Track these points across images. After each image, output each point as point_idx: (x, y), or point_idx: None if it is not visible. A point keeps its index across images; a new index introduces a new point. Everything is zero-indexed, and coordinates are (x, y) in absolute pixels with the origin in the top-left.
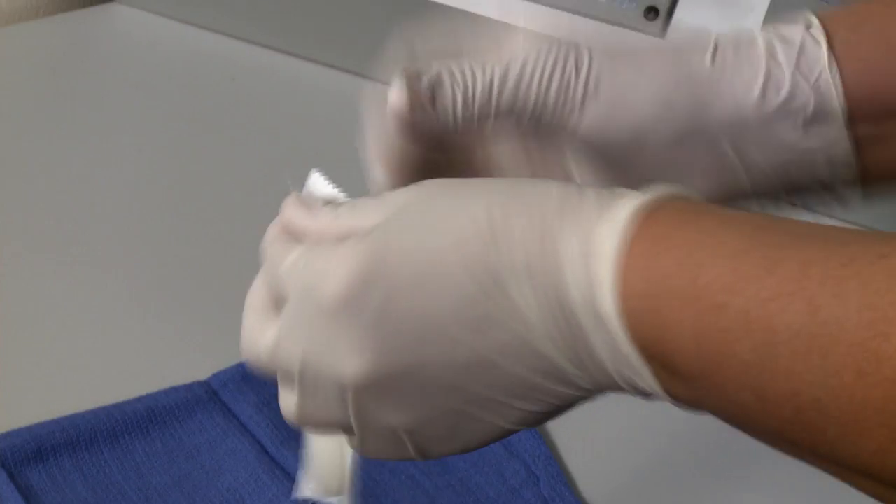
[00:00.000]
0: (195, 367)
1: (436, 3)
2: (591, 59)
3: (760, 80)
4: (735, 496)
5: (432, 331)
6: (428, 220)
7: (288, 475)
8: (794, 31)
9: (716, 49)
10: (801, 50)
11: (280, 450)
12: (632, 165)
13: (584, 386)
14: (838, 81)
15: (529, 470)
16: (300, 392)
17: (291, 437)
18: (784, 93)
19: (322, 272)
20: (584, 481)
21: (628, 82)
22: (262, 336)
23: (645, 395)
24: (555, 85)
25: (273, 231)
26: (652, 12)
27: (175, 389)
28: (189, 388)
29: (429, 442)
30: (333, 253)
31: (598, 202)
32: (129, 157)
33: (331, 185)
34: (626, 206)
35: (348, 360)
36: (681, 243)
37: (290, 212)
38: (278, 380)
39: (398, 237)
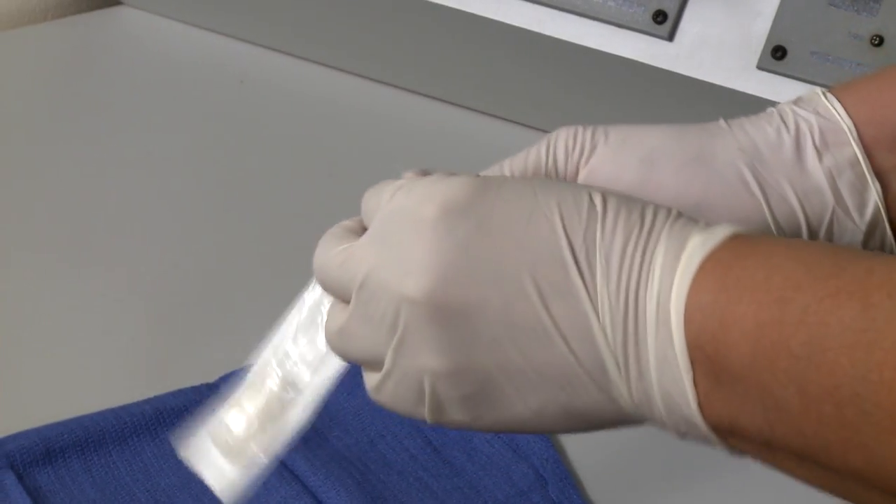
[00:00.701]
0: (204, 369)
1: (443, 7)
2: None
3: (775, 121)
4: (744, 502)
5: (506, 278)
6: (534, 190)
7: (296, 477)
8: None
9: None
10: (800, 100)
11: (288, 452)
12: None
13: (615, 397)
14: (838, 106)
15: (538, 473)
16: (354, 305)
17: (301, 440)
18: (791, 125)
19: (426, 193)
20: (593, 484)
21: (637, 126)
22: (336, 247)
23: (672, 422)
24: (562, 144)
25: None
26: (660, 16)
27: (183, 391)
28: (197, 389)
29: (447, 401)
30: (442, 179)
31: (695, 222)
32: (137, 160)
33: None
34: (723, 229)
35: (417, 277)
36: (765, 250)
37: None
38: (334, 297)
39: (510, 186)
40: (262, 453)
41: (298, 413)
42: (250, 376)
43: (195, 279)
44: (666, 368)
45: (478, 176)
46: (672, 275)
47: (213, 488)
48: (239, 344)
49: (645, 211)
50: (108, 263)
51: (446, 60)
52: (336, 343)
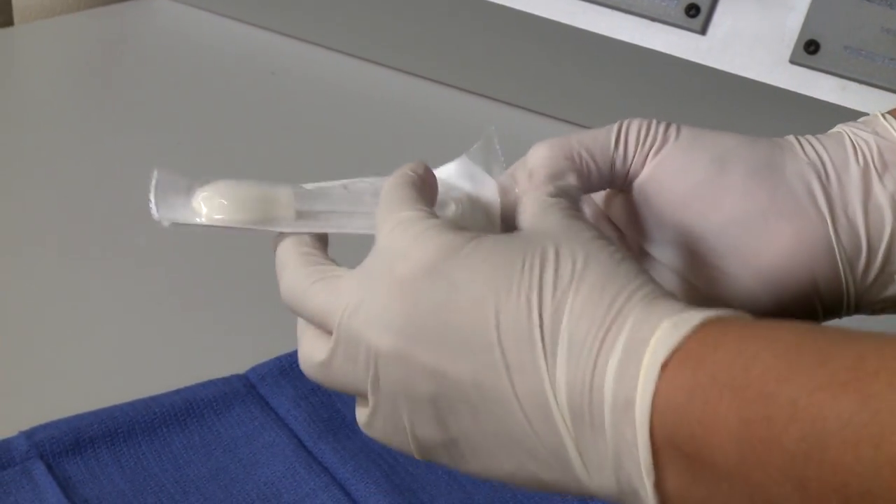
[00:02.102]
0: (233, 360)
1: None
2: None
3: (842, 140)
4: None
5: (474, 348)
6: (524, 249)
7: (325, 469)
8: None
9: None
10: (860, 121)
11: (317, 444)
12: (709, 208)
13: (578, 477)
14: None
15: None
16: (336, 341)
17: (329, 431)
18: (858, 146)
19: (411, 246)
20: None
21: (710, 130)
22: (312, 273)
23: None
24: (634, 131)
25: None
26: (693, 10)
27: (213, 382)
28: (227, 381)
29: (425, 443)
30: (436, 234)
31: (675, 307)
32: (168, 151)
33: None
34: (692, 315)
35: (390, 334)
36: (736, 340)
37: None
38: (309, 322)
39: (492, 252)
40: (226, 217)
41: (283, 224)
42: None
43: (226, 270)
44: (630, 465)
45: (467, 234)
46: (636, 368)
47: (153, 213)
48: (270, 335)
49: (620, 292)
50: (140, 254)
51: (477, 52)
52: (319, 375)
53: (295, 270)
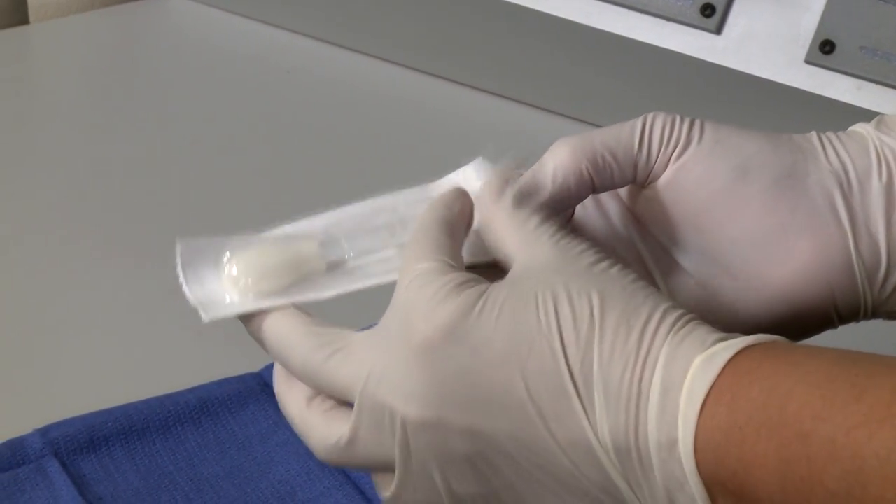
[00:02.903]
0: (248, 358)
1: None
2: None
3: (865, 144)
4: None
5: (506, 406)
6: (535, 295)
7: (340, 468)
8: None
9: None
10: (882, 122)
11: None
12: (727, 218)
13: None
14: None
15: None
16: (359, 410)
17: None
18: (882, 152)
19: (426, 305)
20: None
21: (732, 129)
22: (319, 344)
23: None
24: (658, 131)
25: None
26: (708, 9)
27: (227, 381)
28: (241, 379)
29: (463, 499)
30: (447, 295)
31: (704, 338)
32: (183, 149)
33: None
34: (725, 348)
35: (415, 404)
36: (770, 373)
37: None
38: (328, 397)
39: (504, 305)
40: (259, 292)
41: (321, 291)
42: (286, 229)
43: None
44: (684, 499)
45: (479, 288)
46: (675, 407)
47: (188, 297)
48: None
49: (646, 328)
50: (154, 252)
51: (492, 51)
52: (343, 455)
53: (303, 348)
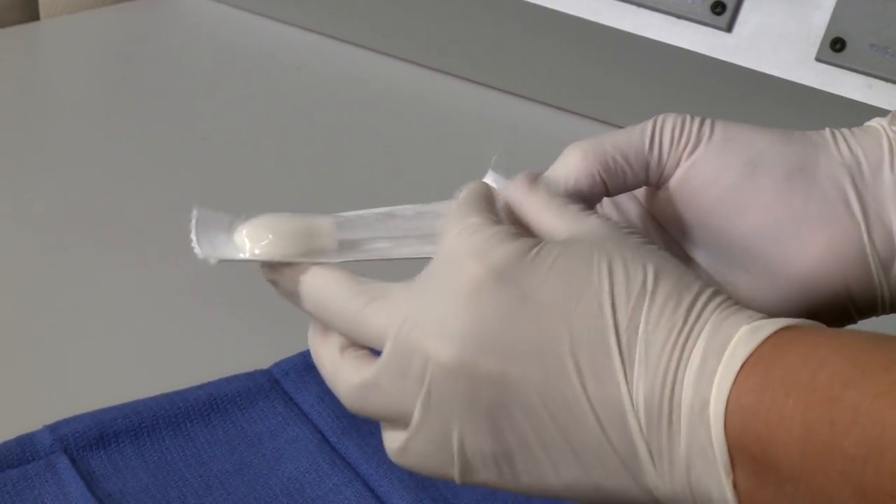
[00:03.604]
0: (257, 355)
1: None
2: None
3: (878, 138)
4: None
5: (547, 355)
6: (591, 256)
7: (349, 465)
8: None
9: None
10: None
11: (341, 439)
12: (740, 213)
13: (646, 484)
14: None
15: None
16: (387, 355)
17: (353, 427)
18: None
19: (480, 248)
20: None
21: (742, 126)
22: (357, 290)
23: None
24: (668, 131)
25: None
26: (719, 7)
27: (237, 377)
28: (251, 376)
29: (478, 461)
30: (501, 240)
31: (751, 314)
32: (192, 146)
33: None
34: (770, 324)
35: (451, 343)
36: (806, 344)
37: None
38: (355, 343)
39: (559, 257)
40: (270, 251)
41: (331, 258)
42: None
43: (251, 264)
44: (704, 466)
45: (532, 240)
46: (712, 373)
47: (196, 252)
48: (293, 330)
49: (695, 302)
50: (164, 247)
51: (502, 49)
52: (357, 397)
53: (342, 297)
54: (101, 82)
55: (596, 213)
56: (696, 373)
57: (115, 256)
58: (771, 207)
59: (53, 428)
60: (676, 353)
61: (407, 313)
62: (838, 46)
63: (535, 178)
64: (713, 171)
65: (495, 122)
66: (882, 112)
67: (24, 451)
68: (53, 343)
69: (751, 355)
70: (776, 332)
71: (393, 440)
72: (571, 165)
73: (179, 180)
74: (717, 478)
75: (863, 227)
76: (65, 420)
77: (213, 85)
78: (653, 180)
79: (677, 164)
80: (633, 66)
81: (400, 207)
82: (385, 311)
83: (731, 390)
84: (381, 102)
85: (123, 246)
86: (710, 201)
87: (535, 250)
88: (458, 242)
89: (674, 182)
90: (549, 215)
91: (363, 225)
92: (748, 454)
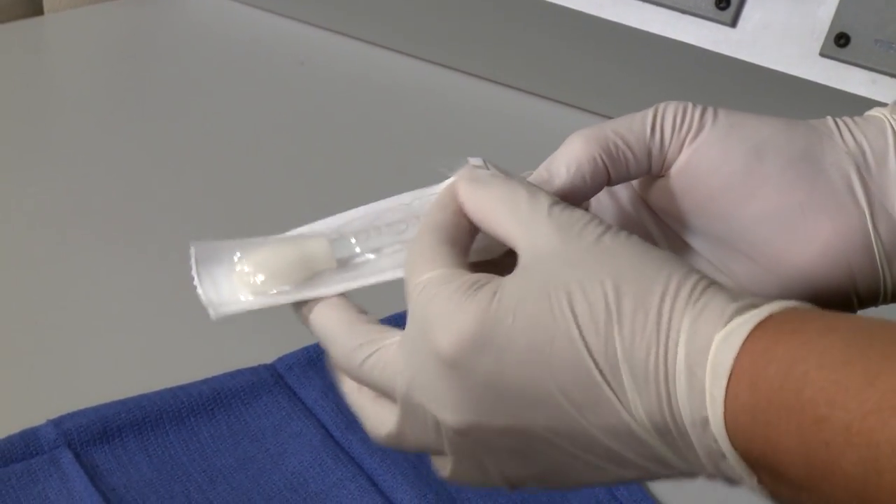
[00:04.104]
0: (261, 350)
1: None
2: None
3: (882, 127)
4: None
5: (538, 402)
6: (547, 291)
7: (353, 459)
8: None
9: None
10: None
11: (345, 434)
12: (745, 199)
13: (684, 471)
14: None
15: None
16: (402, 412)
17: (356, 422)
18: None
19: (441, 318)
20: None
21: (746, 113)
22: (361, 341)
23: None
24: (669, 117)
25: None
26: (723, 2)
27: (241, 372)
28: (255, 370)
29: (519, 479)
30: (459, 304)
31: (722, 308)
32: (196, 140)
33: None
34: (741, 323)
35: (450, 413)
36: (784, 354)
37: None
38: (364, 399)
39: (528, 302)
40: (269, 291)
41: (331, 287)
42: (299, 231)
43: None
44: (726, 466)
45: (490, 288)
46: (702, 389)
47: (200, 297)
48: (297, 325)
49: (662, 306)
50: (168, 242)
51: (505, 44)
52: (393, 444)
53: (342, 347)
54: (104, 77)
55: (547, 201)
56: (686, 388)
57: (118, 251)
58: (776, 194)
59: (57, 422)
60: (661, 369)
61: (405, 375)
62: (842, 42)
63: (473, 172)
64: (717, 157)
65: (498, 117)
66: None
67: (27, 445)
68: (57, 338)
69: (733, 368)
70: (752, 335)
71: (441, 468)
72: (574, 151)
73: (183, 174)
74: (743, 479)
75: (868, 217)
76: (68, 414)
77: (216, 79)
78: (655, 168)
79: (679, 151)
80: (638, 61)
81: (384, 206)
82: (382, 372)
83: (724, 412)
84: (384, 97)
85: (127, 240)
86: (714, 188)
87: (495, 301)
88: (420, 311)
89: (675, 168)
90: (502, 214)
91: (360, 236)
92: (761, 464)
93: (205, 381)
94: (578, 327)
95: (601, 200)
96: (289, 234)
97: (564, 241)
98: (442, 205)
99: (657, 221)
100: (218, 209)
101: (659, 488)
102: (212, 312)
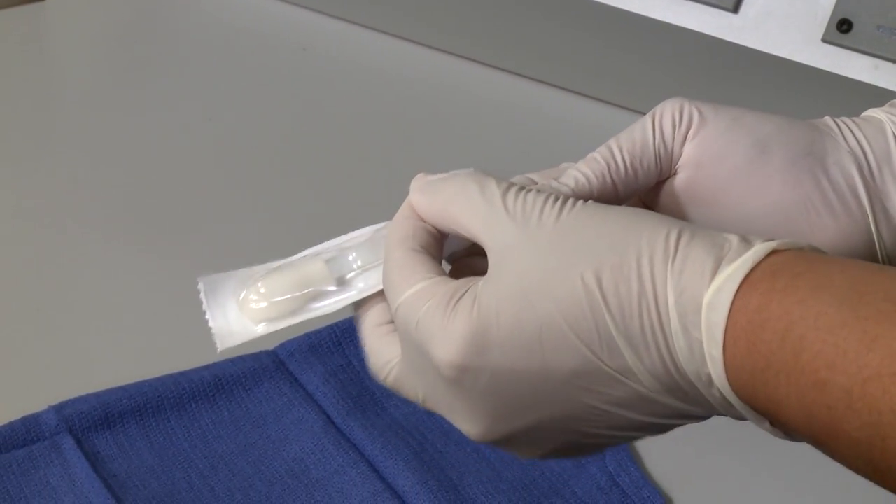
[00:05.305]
0: (262, 336)
1: None
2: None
3: (882, 128)
4: (803, 470)
5: (546, 394)
6: (523, 290)
7: (354, 446)
8: None
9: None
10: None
11: (346, 420)
12: (749, 194)
13: (702, 416)
14: None
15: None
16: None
17: (357, 408)
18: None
19: (432, 340)
20: (650, 456)
21: (747, 110)
22: (384, 362)
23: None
24: (668, 116)
25: (400, 227)
26: None
27: (242, 358)
28: (256, 357)
29: (537, 456)
30: (443, 324)
31: (703, 260)
32: (198, 126)
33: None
34: (728, 278)
35: (466, 424)
36: (779, 314)
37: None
38: None
39: (507, 303)
40: (273, 317)
41: (329, 304)
42: (304, 253)
43: (257, 244)
44: (736, 413)
45: (469, 298)
46: (700, 349)
47: (211, 328)
48: None
49: (641, 274)
50: (169, 229)
51: (508, 30)
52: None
53: (372, 365)
54: (105, 63)
55: (499, 189)
56: (687, 348)
57: (119, 238)
58: (780, 190)
59: (59, 408)
60: (658, 333)
61: (418, 392)
62: (845, 27)
63: (422, 180)
64: (722, 149)
65: (500, 103)
66: (888, 93)
67: (29, 431)
68: (58, 324)
69: (727, 329)
70: (741, 291)
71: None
72: (582, 169)
73: (185, 161)
74: (753, 420)
75: (871, 217)
76: (70, 401)
77: (218, 66)
78: (665, 171)
79: (682, 145)
80: (640, 47)
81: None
82: (403, 389)
83: (725, 370)
84: (386, 83)
85: (128, 228)
86: (719, 180)
87: (475, 312)
88: (411, 331)
89: (679, 164)
90: (461, 212)
91: (357, 251)
92: (768, 416)
93: (206, 368)
94: (563, 317)
95: None
96: (294, 257)
97: (526, 232)
98: (402, 217)
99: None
100: (219, 196)
101: (660, 475)
102: (218, 344)
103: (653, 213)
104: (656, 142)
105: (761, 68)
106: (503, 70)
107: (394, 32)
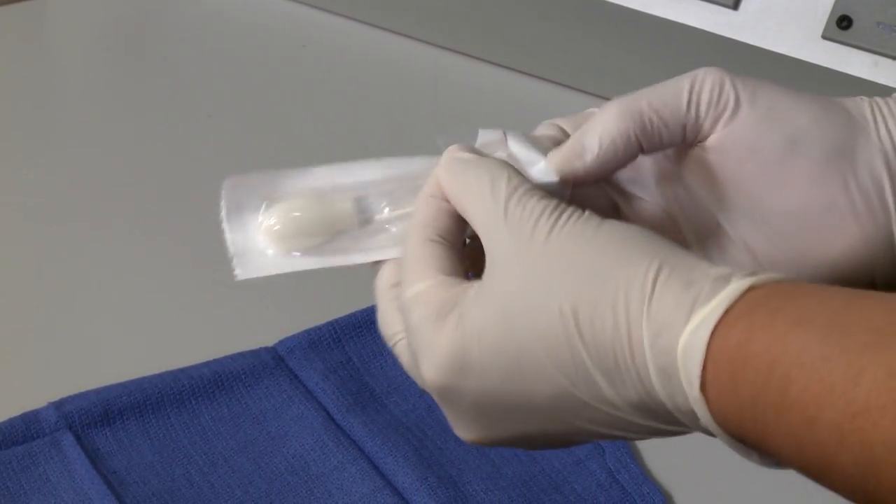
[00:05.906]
0: (262, 332)
1: None
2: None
3: None
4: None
5: (529, 413)
6: (519, 307)
7: (354, 442)
8: None
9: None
10: None
11: (346, 417)
12: (775, 191)
13: (686, 432)
14: None
15: (595, 441)
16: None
17: (357, 405)
18: None
19: (421, 350)
20: (650, 453)
21: (785, 94)
22: (392, 332)
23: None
24: (706, 94)
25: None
26: None
27: (242, 355)
28: (256, 353)
29: (524, 448)
30: (431, 336)
31: (679, 299)
32: (197, 122)
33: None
34: (706, 316)
35: (458, 429)
36: (762, 351)
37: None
38: None
39: (490, 325)
40: (289, 248)
41: (350, 257)
42: (323, 170)
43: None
44: (724, 441)
45: (454, 315)
46: (682, 392)
47: (229, 250)
48: (299, 307)
49: (616, 311)
50: (169, 226)
51: (507, 26)
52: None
53: (382, 328)
54: (105, 60)
55: (503, 200)
56: (666, 388)
57: (120, 234)
58: (806, 191)
59: (58, 405)
60: (632, 371)
61: (428, 382)
62: (845, 24)
63: (451, 163)
64: (752, 143)
65: (500, 99)
66: (887, 90)
67: (29, 428)
68: (58, 320)
69: (707, 370)
70: (720, 333)
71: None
72: (608, 124)
73: (184, 157)
74: (744, 453)
75: (894, 218)
76: (70, 397)
77: (218, 62)
78: (689, 139)
79: (714, 126)
80: (640, 44)
81: (414, 167)
82: (400, 353)
83: (710, 409)
84: (386, 79)
85: (129, 223)
86: (747, 172)
87: (459, 330)
88: (410, 333)
89: (710, 144)
90: (470, 210)
91: (384, 195)
92: (759, 449)
93: (206, 364)
94: (541, 346)
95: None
96: (318, 170)
97: (517, 246)
98: (427, 195)
99: (687, 195)
100: (219, 193)
101: (660, 471)
102: (238, 271)
103: (643, 235)
104: (690, 114)
105: (761, 65)
106: (503, 66)
107: (394, 29)
